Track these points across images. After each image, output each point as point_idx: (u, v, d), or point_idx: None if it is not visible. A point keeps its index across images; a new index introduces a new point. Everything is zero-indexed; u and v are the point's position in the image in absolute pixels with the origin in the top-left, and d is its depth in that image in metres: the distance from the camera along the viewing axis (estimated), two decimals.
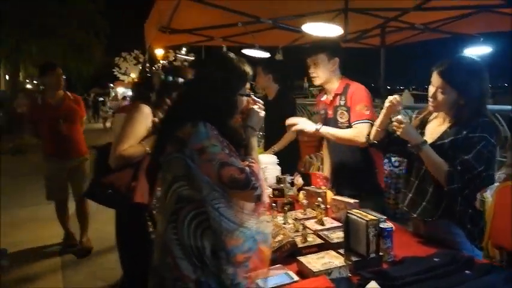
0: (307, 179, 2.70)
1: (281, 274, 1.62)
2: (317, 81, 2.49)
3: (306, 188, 2.51)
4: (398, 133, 1.84)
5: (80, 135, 4.03)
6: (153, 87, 2.17)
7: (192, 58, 4.60)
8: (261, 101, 1.63)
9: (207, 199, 1.41)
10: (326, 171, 2.82)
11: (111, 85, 23.02)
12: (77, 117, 4.01)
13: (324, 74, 2.46)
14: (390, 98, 1.93)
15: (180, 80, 2.11)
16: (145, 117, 2.07)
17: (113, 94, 20.78)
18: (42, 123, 3.87)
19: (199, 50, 5.10)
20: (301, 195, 2.43)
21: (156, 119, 2.08)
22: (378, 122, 2.06)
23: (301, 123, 2.51)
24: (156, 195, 2.13)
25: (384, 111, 1.97)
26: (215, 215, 1.41)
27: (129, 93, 22.34)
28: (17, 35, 15.83)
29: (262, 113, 1.61)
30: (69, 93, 4.02)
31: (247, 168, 1.41)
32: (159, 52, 7.45)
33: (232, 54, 1.59)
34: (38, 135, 3.96)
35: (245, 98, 1.56)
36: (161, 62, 5.21)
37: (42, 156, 4.00)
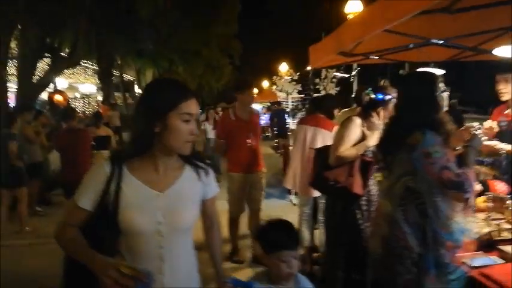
0: (485, 186, 2.93)
1: (485, 257, 1.96)
2: (505, 97, 2.74)
3: (488, 193, 2.76)
4: None
5: (260, 149, 4.12)
6: (360, 101, 2.71)
7: (346, 75, 5.14)
8: None
9: (428, 193, 1.84)
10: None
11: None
12: (260, 131, 4.22)
13: None
14: None
15: (388, 96, 2.59)
16: (357, 127, 2.61)
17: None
18: (233, 138, 3.98)
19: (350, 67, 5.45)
20: (482, 199, 2.69)
21: (365, 128, 2.60)
22: None
23: (501, 145, 2.74)
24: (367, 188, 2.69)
25: None
26: (433, 206, 1.83)
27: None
28: (170, 59, 18.54)
29: (485, 138, 2.01)
30: (253, 108, 4.25)
31: (463, 174, 1.80)
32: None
33: (434, 73, 2.02)
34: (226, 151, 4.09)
35: None
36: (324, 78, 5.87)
37: (225, 171, 4.19)
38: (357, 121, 2.63)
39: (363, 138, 2.58)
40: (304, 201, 3.81)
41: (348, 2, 8.70)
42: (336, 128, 3.61)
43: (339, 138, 2.64)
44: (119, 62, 19.16)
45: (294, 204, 6.51)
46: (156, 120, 1.34)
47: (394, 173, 1.95)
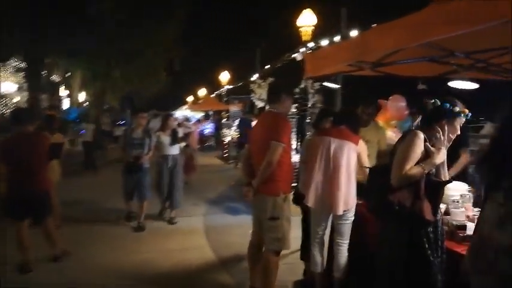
0: None
1: None
2: None
3: None
4: None
5: None
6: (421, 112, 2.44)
7: (337, 86, 4.93)
8: None
9: None
10: None
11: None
12: None
13: None
14: None
15: (456, 109, 2.34)
16: (421, 142, 2.32)
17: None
18: None
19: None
20: None
21: (428, 144, 2.32)
22: None
23: None
24: (439, 211, 2.39)
25: None
26: None
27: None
28: (108, 61, 17.22)
29: None
30: None
31: None
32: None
33: None
34: None
35: None
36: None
37: None
38: (421, 136, 2.34)
39: (426, 155, 2.31)
40: (318, 221, 3.42)
41: (302, 15, 8.71)
42: (361, 143, 3.35)
43: (403, 155, 2.33)
44: (48, 61, 17.38)
45: None
46: None
47: None
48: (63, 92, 26.42)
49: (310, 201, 3.29)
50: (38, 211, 4.26)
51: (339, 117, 3.58)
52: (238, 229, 5.75)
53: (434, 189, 2.32)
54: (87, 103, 27.16)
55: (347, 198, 3.22)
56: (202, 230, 5.77)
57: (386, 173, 2.39)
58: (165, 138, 6.14)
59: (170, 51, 20.67)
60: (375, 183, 2.49)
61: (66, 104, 25.39)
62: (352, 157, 3.27)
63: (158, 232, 5.63)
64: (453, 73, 4.77)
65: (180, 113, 31.05)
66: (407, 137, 2.40)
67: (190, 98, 34.65)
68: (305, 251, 3.93)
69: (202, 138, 16.60)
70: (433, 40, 2.96)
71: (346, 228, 3.30)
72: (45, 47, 14.34)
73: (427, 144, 2.33)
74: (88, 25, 13.60)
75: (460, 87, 4.22)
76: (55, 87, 24.01)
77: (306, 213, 3.83)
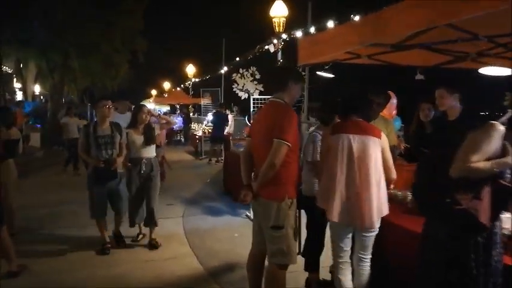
0: None
1: None
2: None
3: None
4: None
5: None
6: None
7: (331, 76, 4.49)
8: None
9: None
10: None
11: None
12: None
13: None
14: None
15: None
16: (500, 137, 1.93)
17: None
18: None
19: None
20: None
21: (507, 142, 1.93)
22: None
23: None
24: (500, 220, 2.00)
25: None
26: None
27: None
28: (65, 52, 16.09)
29: None
30: None
31: None
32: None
33: None
34: None
35: None
36: None
37: None
38: (501, 130, 1.95)
39: (503, 153, 1.92)
40: (343, 235, 2.84)
41: (274, 5, 8.26)
42: (383, 135, 2.91)
43: (473, 145, 1.95)
44: None
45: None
46: None
47: None
48: (15, 84, 24.64)
49: (335, 216, 2.73)
50: None
51: (347, 104, 2.99)
52: (223, 233, 5.25)
53: (501, 194, 1.93)
54: (42, 97, 25.54)
55: (380, 207, 2.71)
56: (183, 235, 5.19)
57: (439, 167, 1.99)
58: (137, 138, 4.65)
59: (132, 43, 19.81)
60: (424, 172, 2.09)
61: (19, 97, 23.66)
62: (379, 155, 2.75)
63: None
64: (454, 62, 4.53)
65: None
66: (485, 129, 1.99)
67: (153, 92, 33.52)
68: (310, 261, 3.50)
69: (171, 132, 15.81)
70: (457, 21, 2.63)
71: (371, 240, 2.80)
72: None
73: (506, 142, 1.95)
74: (39, 14, 12.52)
75: (491, 74, 3.90)
76: (7, 79, 22.26)
77: (312, 218, 3.39)
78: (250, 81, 5.90)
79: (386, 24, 2.84)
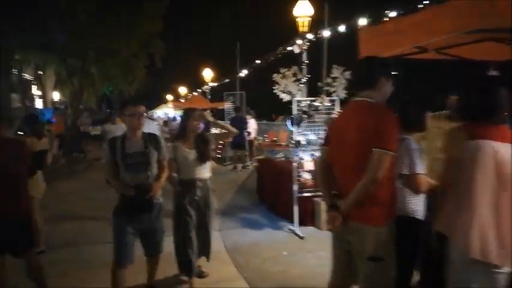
0: None
1: None
2: None
3: None
4: None
5: None
6: None
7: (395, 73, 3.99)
8: None
9: None
10: None
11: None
12: None
13: None
14: None
15: None
16: None
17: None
18: None
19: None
20: None
21: None
22: None
23: None
24: None
25: None
26: None
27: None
28: (84, 56, 15.86)
29: None
30: None
31: None
32: None
33: None
34: None
35: None
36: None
37: None
38: None
39: None
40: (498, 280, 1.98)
41: (297, 4, 7.74)
42: None
43: None
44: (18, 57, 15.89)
45: (301, 238, 5.10)
46: None
47: None
48: (35, 91, 24.68)
49: (476, 252, 1.94)
50: (17, 241, 3.13)
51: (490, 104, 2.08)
52: (268, 250, 4.72)
53: None
54: (62, 104, 25.44)
55: None
56: (225, 252, 4.65)
57: None
58: (189, 153, 3.59)
59: (150, 47, 19.56)
60: None
61: (39, 105, 23.70)
62: None
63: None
64: None
65: (161, 111, 29.71)
66: None
67: (169, 97, 33.23)
68: None
69: None
70: None
71: None
72: (16, 42, 12.95)
73: None
74: (59, 17, 12.34)
75: None
76: (27, 86, 22.27)
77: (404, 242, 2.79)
78: (292, 81, 5.38)
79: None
